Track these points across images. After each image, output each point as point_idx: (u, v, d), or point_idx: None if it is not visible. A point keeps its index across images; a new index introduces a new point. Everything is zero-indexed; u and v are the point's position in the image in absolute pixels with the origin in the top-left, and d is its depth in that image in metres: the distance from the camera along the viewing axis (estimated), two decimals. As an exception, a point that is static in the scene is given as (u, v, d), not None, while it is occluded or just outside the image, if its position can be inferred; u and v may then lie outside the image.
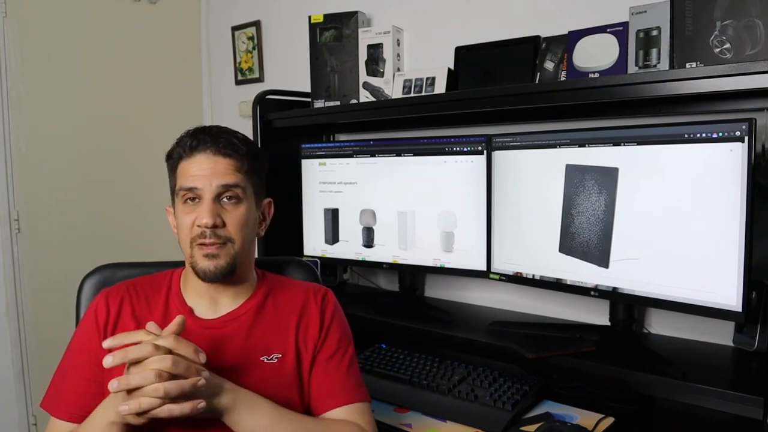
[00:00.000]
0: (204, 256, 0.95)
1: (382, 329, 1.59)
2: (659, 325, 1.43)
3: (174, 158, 1.00)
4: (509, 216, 1.49)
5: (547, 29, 1.50)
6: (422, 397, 1.27)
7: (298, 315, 1.03)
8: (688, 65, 1.17)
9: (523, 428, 1.16)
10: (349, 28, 1.81)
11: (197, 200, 0.96)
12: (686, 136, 1.16)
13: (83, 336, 0.98)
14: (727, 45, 1.13)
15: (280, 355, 0.99)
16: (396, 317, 1.63)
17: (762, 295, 1.19)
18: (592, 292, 1.33)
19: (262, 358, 0.98)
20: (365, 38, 1.79)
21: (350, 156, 1.77)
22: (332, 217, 1.81)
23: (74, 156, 2.19)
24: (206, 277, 0.96)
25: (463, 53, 1.67)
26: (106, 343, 0.82)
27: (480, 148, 1.54)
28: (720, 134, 1.11)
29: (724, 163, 1.11)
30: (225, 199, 0.97)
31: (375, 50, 1.77)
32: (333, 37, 1.83)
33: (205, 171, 0.96)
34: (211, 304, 1.01)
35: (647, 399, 1.28)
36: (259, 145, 1.83)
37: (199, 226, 0.95)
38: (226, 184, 0.96)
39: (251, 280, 1.05)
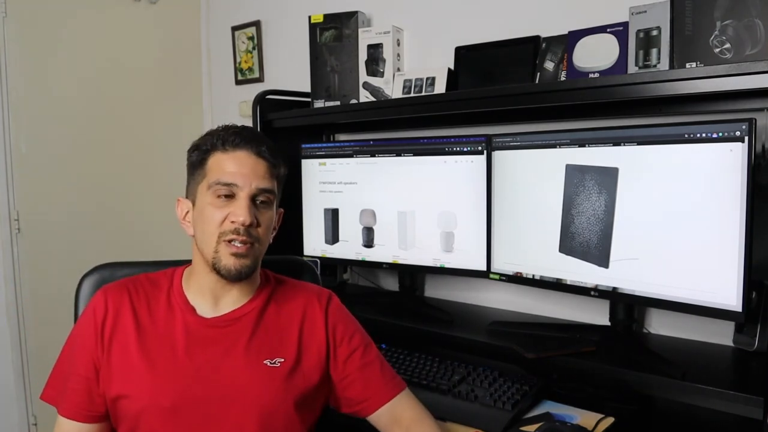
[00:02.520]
0: (232, 254, 0.95)
1: (382, 329, 1.58)
2: (659, 325, 1.43)
3: (205, 149, 0.98)
4: (509, 216, 1.49)
5: (547, 29, 1.50)
6: (422, 397, 1.26)
7: (301, 318, 1.04)
8: (688, 65, 1.17)
9: (523, 428, 1.16)
10: (349, 28, 1.81)
11: (231, 197, 0.95)
12: (686, 136, 1.16)
13: (81, 332, 0.98)
14: (727, 45, 1.13)
15: (282, 360, 0.99)
16: (396, 317, 1.63)
17: (762, 295, 1.19)
18: (592, 292, 1.33)
19: (265, 362, 0.98)
20: (365, 38, 1.79)
21: (350, 156, 1.77)
22: (332, 217, 1.81)
23: (74, 156, 2.19)
24: (230, 276, 0.96)
25: (463, 53, 1.67)
26: None
27: (480, 148, 1.54)
28: (720, 134, 1.11)
29: (724, 163, 1.11)
30: (258, 202, 0.97)
31: (375, 50, 1.77)
32: (333, 37, 1.83)
33: (246, 169, 0.96)
34: (213, 302, 1.01)
35: (647, 399, 1.28)
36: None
37: (233, 222, 0.94)
38: (263, 188, 0.97)
39: (254, 282, 1.05)
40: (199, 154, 0.99)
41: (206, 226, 0.96)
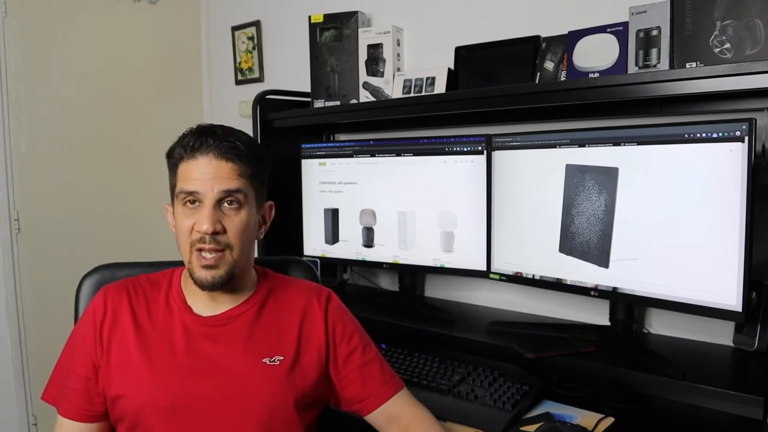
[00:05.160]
0: (202, 266, 0.94)
1: (382, 329, 1.58)
2: (659, 325, 1.43)
3: (175, 157, 0.98)
4: (509, 216, 1.49)
5: (547, 29, 1.50)
6: (422, 397, 1.26)
7: (300, 317, 1.04)
8: (688, 65, 1.16)
9: (523, 428, 1.16)
10: (349, 28, 1.81)
11: (197, 204, 0.94)
12: (686, 136, 1.16)
13: (81, 333, 0.99)
14: (727, 45, 1.13)
15: (282, 357, 0.99)
16: (396, 317, 1.63)
17: (762, 295, 1.19)
18: (592, 292, 1.33)
19: (264, 360, 0.98)
20: (365, 38, 1.78)
21: (350, 156, 1.77)
22: (332, 217, 1.81)
23: (74, 156, 2.19)
24: (204, 287, 0.95)
25: (463, 53, 1.67)
26: None
27: (480, 148, 1.54)
28: (720, 134, 1.11)
29: (724, 163, 1.11)
30: (226, 204, 0.95)
31: (375, 50, 1.77)
32: (333, 37, 1.83)
33: (207, 175, 0.93)
34: (210, 302, 1.01)
35: (647, 399, 1.28)
36: (260, 145, 1.83)
37: (198, 231, 0.93)
38: (227, 190, 0.94)
39: (251, 281, 1.05)
40: (171, 162, 0.99)
41: (180, 236, 0.97)
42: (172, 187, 0.99)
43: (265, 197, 1.05)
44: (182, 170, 0.96)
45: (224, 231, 0.95)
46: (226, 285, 0.97)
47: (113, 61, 2.26)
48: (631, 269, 1.26)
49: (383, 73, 1.77)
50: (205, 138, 0.95)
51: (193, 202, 0.94)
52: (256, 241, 1.05)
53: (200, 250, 0.94)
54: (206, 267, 0.94)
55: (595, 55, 1.36)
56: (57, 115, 2.14)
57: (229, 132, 0.98)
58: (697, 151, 1.15)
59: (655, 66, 1.27)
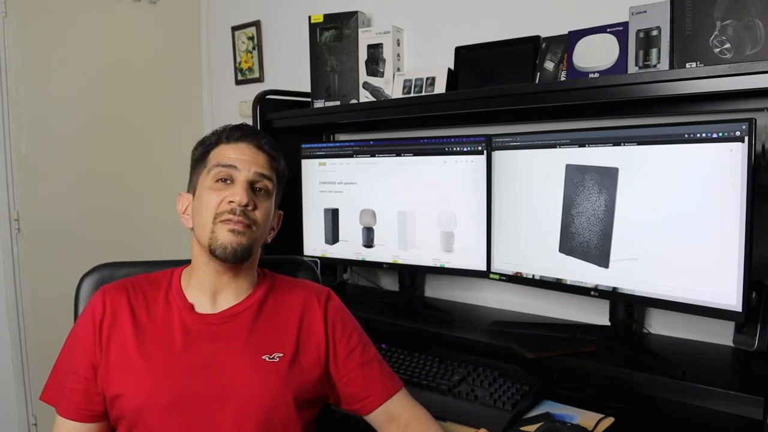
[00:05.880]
0: (229, 231, 0.96)
1: (382, 329, 1.58)
2: (659, 325, 1.43)
3: (209, 143, 1.03)
4: (509, 216, 1.49)
5: (547, 29, 1.50)
6: (422, 397, 1.26)
7: (299, 315, 1.04)
8: (688, 65, 1.17)
9: (523, 428, 1.16)
10: (349, 28, 1.81)
11: (229, 182, 0.98)
12: (686, 136, 1.16)
13: (79, 332, 0.99)
14: (727, 45, 1.13)
15: (281, 354, 0.99)
16: (396, 317, 1.63)
17: (762, 295, 1.19)
18: (592, 292, 1.33)
19: (264, 357, 0.98)
20: (365, 38, 1.79)
21: (350, 156, 1.77)
22: (332, 217, 1.81)
23: (74, 156, 2.19)
24: (226, 253, 0.96)
25: (463, 53, 1.67)
26: None
27: (480, 148, 1.54)
28: (720, 134, 1.11)
29: (724, 163, 1.11)
30: (257, 189, 1.00)
31: (375, 50, 1.77)
32: (333, 37, 1.83)
33: (246, 156, 1.00)
34: (211, 299, 1.01)
35: (647, 399, 1.28)
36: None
37: (231, 202, 0.96)
38: (262, 173, 1.00)
39: (252, 278, 1.06)
40: (203, 148, 1.04)
41: (203, 211, 0.98)
42: (199, 172, 1.02)
43: (279, 204, 1.09)
44: (218, 151, 1.01)
45: (254, 208, 0.98)
46: (242, 262, 0.99)
47: (113, 61, 2.26)
48: (631, 269, 1.26)
49: (383, 73, 1.77)
50: (245, 129, 1.04)
51: (225, 180, 0.98)
52: None
53: (227, 220, 0.96)
54: (233, 232, 0.96)
55: (595, 55, 1.36)
56: (57, 115, 2.14)
57: (263, 133, 1.07)
58: (697, 151, 1.15)
59: (655, 66, 1.27)
